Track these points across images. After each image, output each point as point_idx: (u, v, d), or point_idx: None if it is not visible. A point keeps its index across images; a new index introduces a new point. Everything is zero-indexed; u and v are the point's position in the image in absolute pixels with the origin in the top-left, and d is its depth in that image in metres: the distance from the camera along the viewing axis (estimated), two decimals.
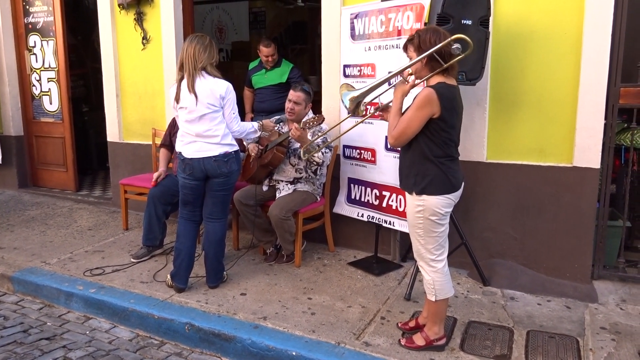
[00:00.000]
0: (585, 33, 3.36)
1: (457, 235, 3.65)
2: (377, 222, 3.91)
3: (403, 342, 2.84)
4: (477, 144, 3.77)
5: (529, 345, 2.90)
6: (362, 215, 4.03)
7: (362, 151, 3.98)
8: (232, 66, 7.77)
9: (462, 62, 3.19)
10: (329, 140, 3.85)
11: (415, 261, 2.88)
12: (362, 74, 3.87)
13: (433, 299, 2.70)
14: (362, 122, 3.54)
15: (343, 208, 4.18)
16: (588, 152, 3.45)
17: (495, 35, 3.61)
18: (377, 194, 3.90)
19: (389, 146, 3.70)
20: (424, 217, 2.60)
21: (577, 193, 3.51)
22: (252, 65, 5.36)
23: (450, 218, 3.57)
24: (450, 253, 3.67)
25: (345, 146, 4.12)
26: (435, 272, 2.68)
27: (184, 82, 3.23)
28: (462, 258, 3.78)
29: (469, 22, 3.20)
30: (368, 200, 3.98)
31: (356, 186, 4.09)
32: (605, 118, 3.43)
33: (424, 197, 2.59)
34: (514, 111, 3.66)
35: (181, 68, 3.28)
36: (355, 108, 2.81)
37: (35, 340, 3.15)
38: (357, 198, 4.08)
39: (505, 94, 3.67)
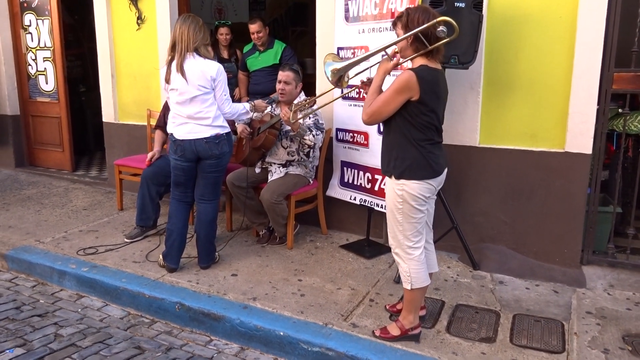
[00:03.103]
0: (579, 17, 3.34)
1: (448, 220, 3.67)
2: (369, 205, 3.93)
3: (377, 332, 2.81)
4: (469, 128, 3.76)
5: (514, 329, 2.93)
6: (355, 199, 4.04)
7: (355, 134, 3.98)
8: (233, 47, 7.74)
9: (455, 46, 3.20)
10: (322, 122, 3.84)
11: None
12: (355, 56, 3.84)
13: (409, 287, 2.68)
14: (343, 95, 3.57)
15: (336, 191, 4.20)
16: (580, 138, 3.44)
17: (489, 18, 3.59)
18: (370, 177, 3.91)
19: (381, 129, 3.69)
20: (403, 201, 2.58)
21: (568, 178, 3.52)
22: (246, 48, 5.34)
23: (442, 202, 3.62)
24: (441, 237, 3.74)
25: (338, 129, 4.12)
26: (411, 260, 2.65)
27: (174, 63, 3.22)
28: (453, 242, 3.80)
29: (462, 5, 3.19)
30: (360, 183, 3.99)
31: (349, 169, 4.09)
32: (598, 103, 3.42)
33: (403, 181, 2.56)
34: (507, 95, 3.65)
35: (173, 48, 3.27)
36: (338, 80, 2.79)
37: (27, 317, 3.19)
38: (350, 181, 4.09)
39: (499, 78, 3.65)
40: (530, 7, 3.48)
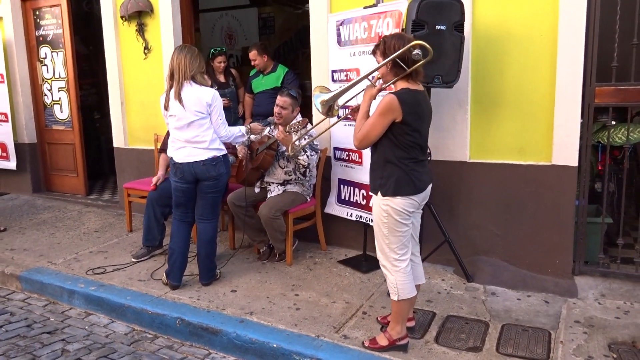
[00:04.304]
0: (560, 34, 3.46)
1: (440, 235, 3.77)
2: (364, 221, 4.05)
3: (367, 343, 2.91)
4: (459, 144, 3.88)
5: (502, 338, 3.01)
6: (351, 215, 4.17)
7: (351, 153, 4.13)
8: (242, 71, 7.98)
9: (439, 66, 3.35)
10: (316, 142, 4.00)
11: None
12: (348, 78, 4.01)
13: (396, 298, 2.79)
14: (336, 123, 3.73)
15: (333, 208, 4.33)
16: (566, 151, 3.54)
17: (474, 38, 3.73)
18: (365, 194, 4.04)
19: None
20: (388, 215, 2.72)
21: (556, 190, 3.60)
22: (252, 71, 5.56)
23: (433, 216, 3.73)
24: (433, 251, 3.85)
25: (335, 148, 4.27)
26: (397, 272, 2.77)
27: (172, 91, 3.42)
28: (449, 255, 3.89)
29: (444, 28, 3.33)
30: (356, 200, 4.12)
31: (345, 187, 4.23)
32: (582, 117, 3.52)
33: (389, 198, 2.70)
34: (494, 112, 3.77)
35: (171, 77, 3.46)
36: (328, 110, 2.95)
37: (37, 334, 3.37)
38: (347, 198, 4.22)
39: (486, 95, 3.78)
40: (513, 26, 3.62)
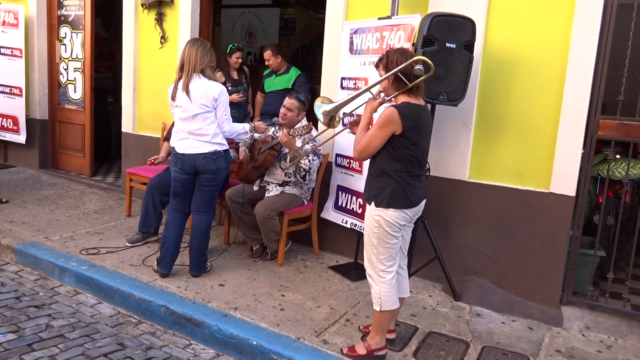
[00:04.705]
0: (569, 64, 3.47)
1: (432, 250, 3.79)
2: (358, 229, 4.07)
3: (345, 350, 2.94)
4: (460, 163, 3.90)
5: (480, 359, 3.01)
6: (346, 222, 4.19)
7: (352, 160, 4.15)
8: (259, 69, 8.05)
9: (445, 84, 3.38)
10: (318, 148, 4.03)
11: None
12: (356, 86, 4.04)
13: (378, 308, 2.81)
14: (339, 133, 3.77)
15: (330, 214, 4.36)
16: (565, 180, 3.54)
17: (485, 59, 3.75)
18: (361, 203, 4.06)
19: None
20: (379, 226, 2.74)
21: (551, 218, 3.60)
22: (266, 71, 5.62)
23: (426, 232, 3.75)
24: (423, 266, 3.86)
25: (337, 155, 4.30)
26: (383, 283, 2.79)
27: (181, 82, 3.47)
28: (439, 272, 3.90)
29: (453, 46, 3.36)
30: (353, 208, 4.15)
31: (344, 194, 4.26)
32: (584, 148, 3.52)
33: (381, 209, 2.73)
34: (497, 134, 3.78)
35: (181, 68, 3.52)
36: (330, 121, 2.99)
37: (25, 307, 3.42)
38: (344, 205, 4.25)
39: (491, 116, 3.79)
40: (524, 51, 3.63)
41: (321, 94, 4.48)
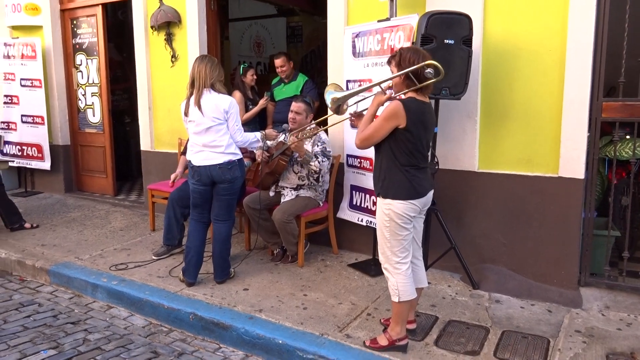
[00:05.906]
0: (568, 51, 3.53)
1: (448, 241, 3.87)
2: (374, 226, 4.16)
3: (367, 342, 3.05)
4: (468, 154, 3.98)
5: (500, 344, 3.09)
6: (362, 220, 4.30)
7: (362, 160, 4.27)
8: (269, 78, 8.22)
9: (446, 79, 3.45)
10: (328, 149, 4.15)
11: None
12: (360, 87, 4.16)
13: (396, 299, 2.91)
14: (340, 122, 3.93)
15: (345, 213, 4.47)
16: (572, 163, 3.60)
17: (485, 52, 3.84)
18: (374, 200, 4.15)
19: None
20: (390, 219, 2.85)
21: (562, 202, 3.66)
22: (274, 80, 5.77)
23: (440, 224, 3.84)
24: (440, 257, 3.95)
25: (348, 155, 4.42)
26: (398, 274, 2.90)
27: (192, 98, 3.63)
28: (456, 262, 3.98)
29: (452, 42, 3.46)
30: (367, 206, 4.26)
31: (357, 193, 4.37)
32: (589, 131, 3.58)
33: (390, 200, 2.84)
34: (503, 124, 3.86)
35: (192, 85, 3.68)
36: (338, 108, 3.12)
37: (62, 324, 3.61)
38: (358, 204, 4.36)
39: (495, 107, 3.87)
40: (522, 41, 3.71)
41: None
